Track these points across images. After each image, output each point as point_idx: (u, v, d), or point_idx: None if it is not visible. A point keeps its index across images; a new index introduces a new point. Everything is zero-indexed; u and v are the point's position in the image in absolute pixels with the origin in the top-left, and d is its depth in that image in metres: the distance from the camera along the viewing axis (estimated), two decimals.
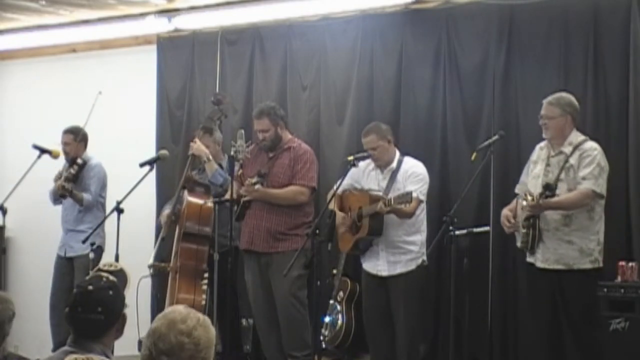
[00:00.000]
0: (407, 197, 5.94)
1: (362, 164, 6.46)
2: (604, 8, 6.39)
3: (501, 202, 6.44)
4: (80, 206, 7.64)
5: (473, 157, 6.14)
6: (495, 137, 6.04)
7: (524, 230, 5.72)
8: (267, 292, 6.77)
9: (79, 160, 7.64)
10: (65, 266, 7.73)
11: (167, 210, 7.13)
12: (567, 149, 5.65)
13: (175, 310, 2.96)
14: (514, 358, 6.58)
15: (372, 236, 6.30)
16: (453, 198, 6.42)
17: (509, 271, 6.61)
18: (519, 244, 5.83)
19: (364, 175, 6.49)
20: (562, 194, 5.64)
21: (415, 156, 6.49)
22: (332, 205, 6.49)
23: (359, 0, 7.38)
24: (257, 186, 6.55)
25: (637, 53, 6.18)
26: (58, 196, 7.73)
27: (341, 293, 7.05)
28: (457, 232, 5.83)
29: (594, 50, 6.38)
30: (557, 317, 5.67)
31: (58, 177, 7.68)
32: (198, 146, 7.01)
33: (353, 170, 6.38)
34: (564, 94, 5.85)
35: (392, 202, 5.98)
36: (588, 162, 5.58)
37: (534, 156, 5.90)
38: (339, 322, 7.03)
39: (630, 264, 5.84)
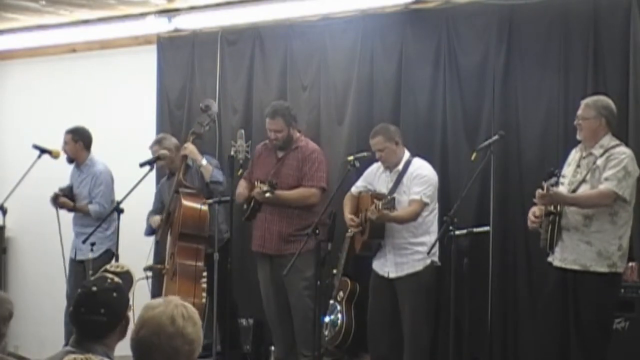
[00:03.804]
0: (390, 203, 5.97)
1: (375, 165, 6.48)
2: (604, 8, 6.38)
3: (501, 202, 6.45)
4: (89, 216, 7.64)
5: (473, 157, 6.12)
6: (495, 137, 6.03)
7: (544, 228, 5.58)
8: (277, 289, 6.80)
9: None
10: (77, 267, 7.72)
11: (158, 216, 7.17)
12: (598, 151, 5.54)
13: (155, 312, 2.90)
14: (514, 358, 6.58)
15: (374, 239, 6.30)
16: (453, 198, 6.40)
17: (509, 271, 6.61)
18: (541, 244, 5.70)
19: (375, 177, 6.49)
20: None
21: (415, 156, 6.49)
22: (347, 208, 6.49)
23: (359, 0, 7.38)
24: (267, 195, 6.55)
25: (637, 53, 6.17)
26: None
27: (341, 293, 7.05)
28: (457, 232, 5.81)
29: (594, 50, 6.36)
30: (566, 318, 5.58)
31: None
32: (192, 149, 7.03)
33: (368, 171, 6.43)
34: (602, 97, 5.75)
35: (380, 207, 5.98)
36: (613, 164, 5.46)
37: (569, 158, 5.78)
38: (339, 322, 7.03)
39: (630, 264, 5.83)
